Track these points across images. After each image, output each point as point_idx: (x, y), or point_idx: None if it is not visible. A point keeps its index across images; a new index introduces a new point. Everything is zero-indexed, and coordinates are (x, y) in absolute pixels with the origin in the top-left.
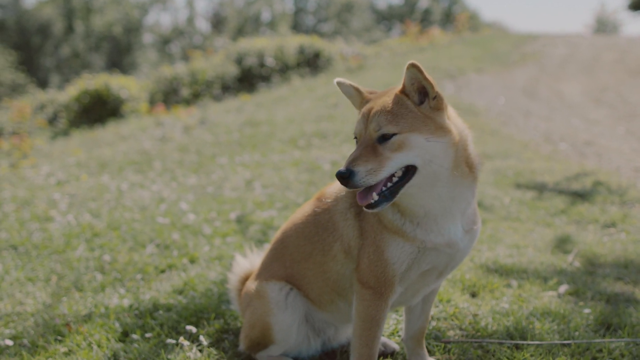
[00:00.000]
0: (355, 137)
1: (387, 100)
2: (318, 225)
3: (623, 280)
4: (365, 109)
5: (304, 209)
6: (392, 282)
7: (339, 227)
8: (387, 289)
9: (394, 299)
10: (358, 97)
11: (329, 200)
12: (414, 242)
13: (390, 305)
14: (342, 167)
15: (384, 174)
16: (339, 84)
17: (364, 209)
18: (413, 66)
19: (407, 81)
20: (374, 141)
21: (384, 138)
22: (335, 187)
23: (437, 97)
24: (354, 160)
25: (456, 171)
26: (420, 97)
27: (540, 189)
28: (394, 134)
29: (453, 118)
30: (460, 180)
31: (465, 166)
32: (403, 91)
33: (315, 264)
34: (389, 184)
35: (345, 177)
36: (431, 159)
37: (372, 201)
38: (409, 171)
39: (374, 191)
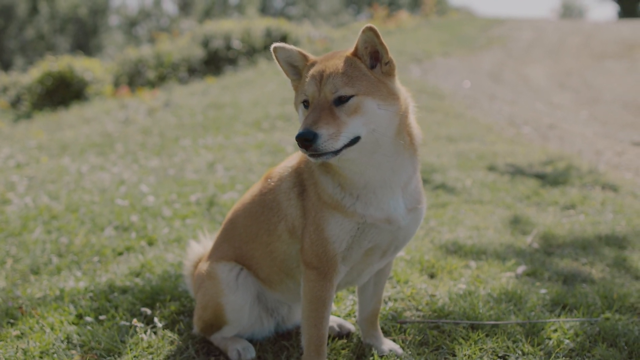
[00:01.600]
0: (305, 101)
1: (339, 62)
2: (264, 205)
3: (580, 261)
4: (315, 71)
5: (252, 190)
6: (334, 261)
7: (283, 207)
8: (330, 269)
9: (339, 278)
10: (302, 62)
11: (274, 180)
12: (353, 217)
13: (336, 285)
14: (300, 129)
15: (342, 141)
16: (278, 48)
17: (309, 157)
18: (370, 29)
19: (360, 44)
20: (330, 104)
21: (341, 100)
22: (280, 168)
23: (390, 63)
24: (314, 122)
25: (398, 140)
26: (371, 61)
27: (503, 172)
28: (352, 96)
29: (399, 85)
30: (401, 150)
31: (406, 135)
32: (355, 54)
33: (262, 244)
34: None
35: (309, 139)
36: (376, 127)
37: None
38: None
39: None
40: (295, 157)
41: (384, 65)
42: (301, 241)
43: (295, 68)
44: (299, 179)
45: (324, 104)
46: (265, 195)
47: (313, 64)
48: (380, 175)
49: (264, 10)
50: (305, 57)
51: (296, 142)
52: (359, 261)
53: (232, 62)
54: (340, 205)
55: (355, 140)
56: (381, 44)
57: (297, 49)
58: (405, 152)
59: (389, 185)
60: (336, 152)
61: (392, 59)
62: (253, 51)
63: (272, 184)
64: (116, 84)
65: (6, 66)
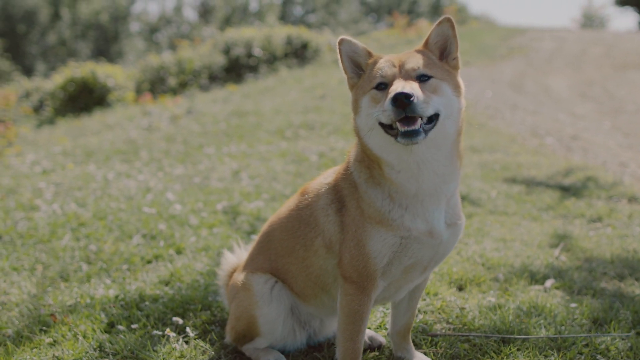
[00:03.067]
0: (381, 84)
1: (412, 52)
2: (300, 220)
3: (609, 275)
4: (388, 58)
5: (289, 204)
6: (374, 276)
7: (320, 222)
8: (369, 284)
9: (377, 293)
10: (365, 58)
11: (311, 196)
12: (397, 230)
13: (374, 300)
14: (393, 92)
15: (431, 109)
16: (344, 41)
17: (405, 138)
18: (448, 21)
19: (432, 37)
20: (413, 79)
21: (422, 79)
22: (317, 183)
23: (456, 58)
24: (405, 86)
25: (457, 141)
26: (440, 55)
27: (528, 183)
28: (431, 77)
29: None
30: (455, 157)
31: (459, 142)
32: (426, 46)
33: (297, 259)
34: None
35: (409, 96)
36: (451, 113)
37: (418, 128)
38: (433, 120)
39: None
40: (331, 173)
41: (451, 60)
42: (339, 256)
43: (356, 65)
44: (338, 195)
45: (408, 79)
46: (302, 211)
47: (377, 60)
48: (432, 182)
49: (284, 18)
50: (369, 54)
51: (390, 106)
52: (398, 278)
53: (253, 69)
54: (386, 218)
55: (435, 118)
56: (454, 36)
57: (363, 44)
58: (457, 161)
59: (437, 195)
60: (426, 132)
61: (459, 55)
62: (274, 59)
63: (309, 199)
64: (138, 91)
65: (28, 71)
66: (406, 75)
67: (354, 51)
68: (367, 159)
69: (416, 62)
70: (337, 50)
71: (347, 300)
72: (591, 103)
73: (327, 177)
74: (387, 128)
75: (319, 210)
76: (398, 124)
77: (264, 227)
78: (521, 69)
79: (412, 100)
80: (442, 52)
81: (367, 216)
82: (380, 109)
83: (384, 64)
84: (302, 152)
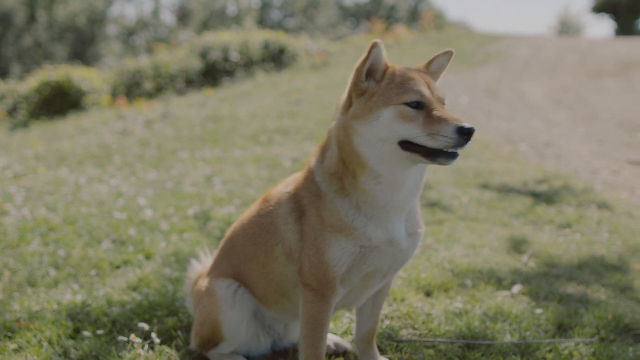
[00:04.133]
0: (415, 102)
1: (427, 74)
2: (261, 227)
3: (576, 281)
4: (414, 75)
5: (251, 210)
6: (333, 283)
7: (280, 230)
8: (328, 291)
9: (337, 300)
10: (383, 66)
11: (272, 204)
12: (358, 239)
13: (334, 306)
14: (461, 124)
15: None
16: (378, 45)
17: (449, 159)
18: (451, 54)
19: (435, 63)
20: (443, 106)
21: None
22: (278, 192)
23: None
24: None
25: None
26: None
27: (500, 189)
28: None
29: None
30: (425, 174)
31: None
32: (427, 70)
33: (259, 265)
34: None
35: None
36: None
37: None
38: None
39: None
40: (291, 182)
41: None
42: (299, 263)
43: (371, 70)
44: (298, 204)
45: (441, 104)
46: (263, 218)
47: (395, 72)
48: (404, 195)
49: (262, 22)
50: (386, 63)
51: (455, 137)
52: (358, 285)
53: (230, 73)
54: (348, 227)
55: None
56: (447, 67)
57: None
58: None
59: (403, 208)
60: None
61: None
62: (250, 63)
63: (270, 207)
64: (114, 94)
65: (3, 74)
66: (439, 101)
67: (379, 59)
68: (341, 169)
69: (439, 89)
70: (367, 52)
71: (307, 307)
72: (565, 110)
73: (287, 185)
74: (408, 144)
75: (279, 219)
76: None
77: (227, 233)
78: (497, 76)
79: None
80: (433, 76)
81: (327, 225)
82: (417, 130)
83: (420, 83)
84: (276, 157)
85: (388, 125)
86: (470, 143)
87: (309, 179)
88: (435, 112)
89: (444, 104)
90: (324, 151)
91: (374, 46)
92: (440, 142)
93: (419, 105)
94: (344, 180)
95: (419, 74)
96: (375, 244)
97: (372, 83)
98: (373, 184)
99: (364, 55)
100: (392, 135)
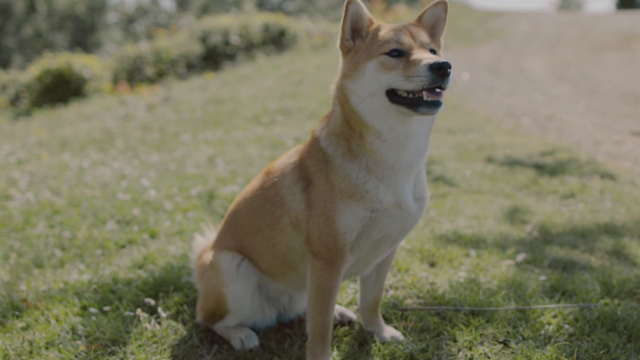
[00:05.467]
0: (395, 50)
1: (414, 26)
2: (266, 199)
3: (579, 249)
4: (397, 27)
5: (254, 183)
6: (344, 251)
7: (286, 201)
8: (338, 259)
9: (346, 268)
10: (367, 23)
11: (276, 176)
12: (370, 203)
13: (343, 274)
14: (433, 60)
15: (449, 82)
16: (353, 1)
17: (429, 107)
18: (443, 3)
19: (426, 15)
20: (427, 52)
21: (431, 52)
22: (281, 163)
23: (441, 39)
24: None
25: (434, 118)
26: (430, 32)
27: (502, 162)
28: (436, 52)
29: None
30: (431, 133)
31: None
32: (419, 23)
33: (264, 238)
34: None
35: (450, 68)
36: None
37: (441, 99)
38: None
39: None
40: (294, 152)
41: (437, 40)
42: (307, 233)
43: (355, 30)
44: (304, 173)
45: (424, 50)
46: (267, 190)
47: (381, 26)
48: (411, 153)
49: (262, 5)
50: (371, 20)
51: (427, 74)
52: (367, 252)
53: (231, 57)
54: (360, 191)
55: None
56: (445, 19)
57: (367, 10)
58: (430, 136)
59: (411, 168)
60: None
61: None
62: (251, 46)
63: (275, 179)
64: (115, 81)
65: (4, 64)
66: (422, 46)
67: (359, 14)
68: (347, 130)
69: (425, 36)
70: (344, 9)
71: (316, 275)
72: (567, 84)
73: (291, 156)
74: (396, 97)
75: (284, 189)
76: (425, 93)
77: (230, 207)
78: (498, 52)
79: (450, 72)
80: (430, 31)
81: (337, 191)
82: (398, 75)
83: (398, 31)
84: (278, 137)
85: (373, 77)
86: (449, 82)
87: (315, 147)
88: (413, 56)
89: (430, 49)
90: (328, 118)
91: (349, 2)
92: (415, 83)
93: (400, 53)
94: (351, 141)
95: (403, 26)
96: (386, 206)
97: (359, 41)
98: (379, 143)
99: (343, 14)
100: (378, 86)
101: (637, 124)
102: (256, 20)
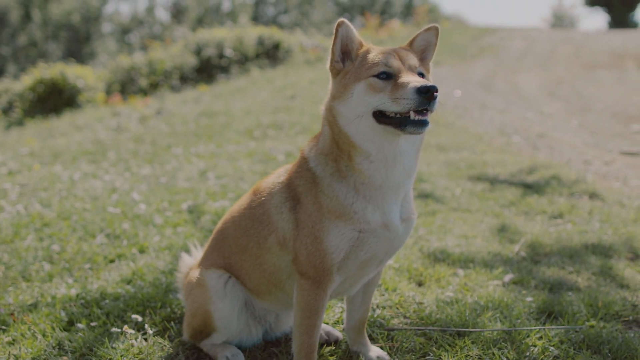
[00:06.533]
0: (384, 73)
1: (404, 50)
2: (254, 219)
3: (567, 270)
4: (386, 50)
5: (241, 202)
6: (331, 271)
7: (274, 220)
8: (325, 279)
9: (333, 288)
10: (357, 45)
11: (264, 195)
12: (357, 223)
13: (330, 294)
14: (420, 84)
15: (436, 105)
16: (344, 24)
17: (416, 127)
18: (435, 29)
19: (418, 40)
20: (416, 75)
21: (420, 76)
22: (269, 182)
23: (429, 64)
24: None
25: (422, 139)
26: (420, 57)
27: (492, 180)
28: (424, 76)
29: None
30: (419, 154)
31: (423, 139)
32: (410, 47)
33: (251, 256)
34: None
35: (436, 92)
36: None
37: (428, 119)
38: None
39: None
40: (282, 172)
41: (427, 64)
42: (294, 252)
43: (344, 52)
44: (292, 193)
45: (412, 73)
46: (255, 209)
47: (370, 50)
48: (399, 174)
49: (256, 18)
50: (361, 43)
51: (414, 97)
52: (354, 272)
53: (225, 70)
54: (348, 211)
55: None
56: (436, 44)
57: (357, 33)
58: (419, 157)
59: (399, 189)
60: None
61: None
62: (245, 59)
63: (262, 198)
64: (108, 92)
65: None
66: (410, 70)
67: (349, 37)
68: (335, 151)
69: (414, 59)
70: (334, 31)
71: (303, 295)
72: (560, 102)
73: (279, 175)
74: (383, 117)
75: (272, 209)
76: (412, 113)
77: (218, 225)
78: (491, 68)
79: (437, 95)
80: (421, 55)
81: (326, 211)
82: (386, 98)
83: (388, 55)
84: (269, 151)
85: (361, 99)
86: (436, 105)
87: (303, 167)
88: (401, 79)
89: (419, 73)
90: (317, 138)
91: (339, 25)
92: (402, 105)
93: (388, 76)
94: (340, 162)
95: (392, 49)
96: (374, 227)
97: (349, 63)
98: (367, 164)
99: (333, 37)
100: (366, 108)
101: (627, 144)
102: (251, 34)
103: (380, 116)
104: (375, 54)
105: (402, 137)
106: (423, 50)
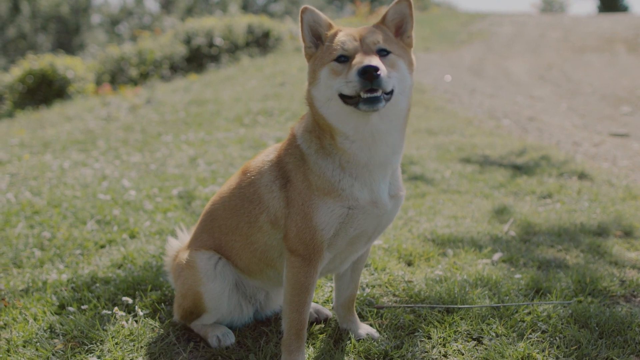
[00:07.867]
0: (341, 56)
1: (371, 27)
2: (244, 198)
3: (555, 248)
4: (348, 31)
5: (230, 183)
6: (321, 248)
7: (265, 199)
8: (315, 256)
9: (323, 265)
10: (326, 28)
11: (253, 174)
12: (346, 200)
13: (320, 271)
14: (360, 65)
15: (391, 84)
16: (308, 10)
17: (367, 104)
18: (406, 0)
19: (390, 14)
20: (374, 52)
21: (381, 53)
22: (259, 162)
23: (411, 36)
24: (378, 62)
25: (406, 116)
26: (396, 32)
27: (481, 162)
28: (389, 53)
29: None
30: (404, 130)
31: (408, 116)
32: (382, 23)
33: (242, 236)
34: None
35: (377, 70)
36: (404, 89)
37: (379, 95)
38: (389, 94)
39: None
40: (272, 151)
41: (406, 38)
42: (285, 230)
43: (315, 35)
44: (282, 171)
45: (370, 52)
46: (245, 189)
47: (337, 32)
48: (383, 152)
49: (246, 7)
50: (330, 25)
51: (356, 79)
52: (343, 249)
53: (215, 59)
54: (335, 188)
55: (391, 92)
56: (411, 15)
57: (325, 15)
58: (404, 134)
59: (385, 166)
60: (386, 101)
61: (413, 34)
62: (235, 48)
63: (252, 177)
64: (98, 82)
65: None
66: (367, 48)
67: (315, 21)
68: (318, 129)
69: (376, 36)
70: (299, 19)
71: (293, 272)
72: (549, 86)
73: (268, 154)
74: (347, 99)
75: (262, 187)
76: (361, 92)
77: (206, 206)
78: (481, 54)
79: (379, 74)
80: (398, 29)
81: (315, 188)
82: (342, 81)
83: (345, 37)
84: (259, 138)
85: (326, 83)
86: (383, 83)
87: (292, 144)
88: (353, 61)
89: (380, 49)
90: (305, 116)
91: (302, 12)
92: (350, 88)
93: (346, 59)
94: (323, 140)
95: (355, 30)
96: (362, 204)
97: (321, 47)
98: (349, 143)
99: (300, 25)
100: (331, 92)
101: (616, 126)
102: (240, 22)
103: (345, 97)
104: (339, 36)
105: (375, 116)
106: (398, 23)
